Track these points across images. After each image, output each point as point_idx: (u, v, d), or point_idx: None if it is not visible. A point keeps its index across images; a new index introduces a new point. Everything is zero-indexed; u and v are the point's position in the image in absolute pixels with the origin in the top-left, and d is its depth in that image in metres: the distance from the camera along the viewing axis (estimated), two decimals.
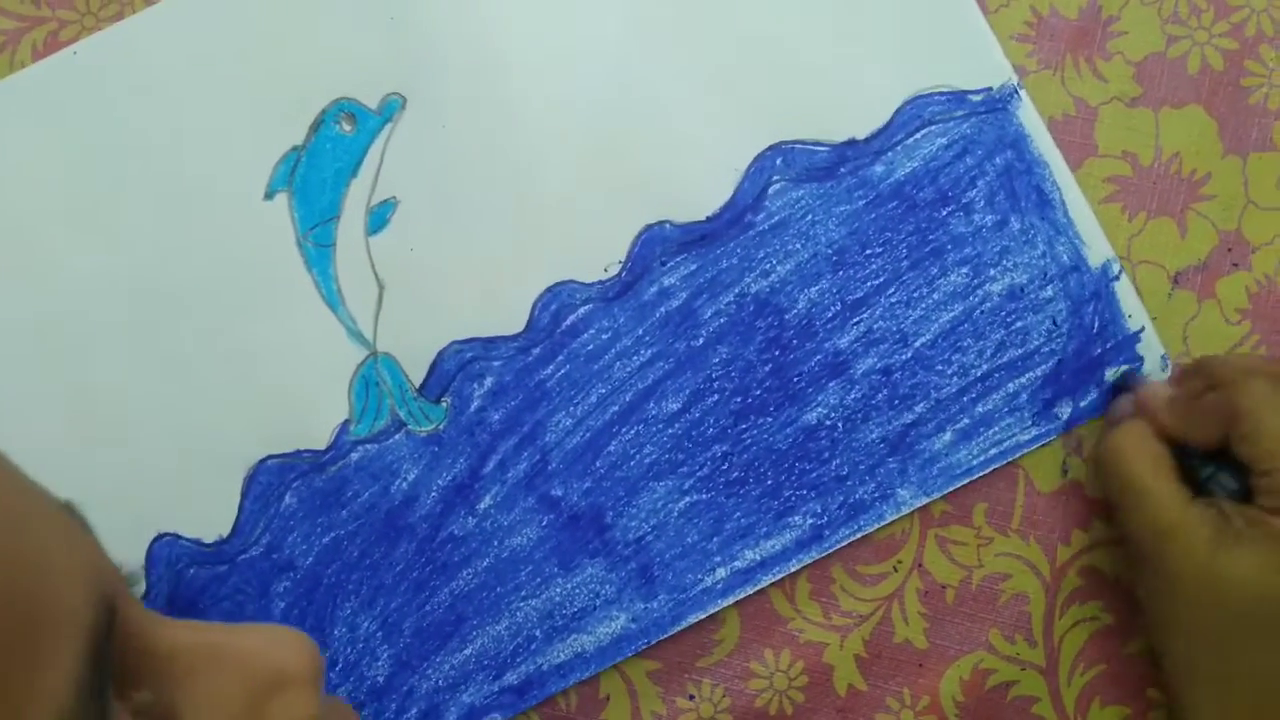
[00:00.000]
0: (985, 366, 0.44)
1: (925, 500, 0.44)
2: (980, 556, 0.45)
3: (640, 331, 0.44)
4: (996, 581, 0.45)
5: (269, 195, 0.44)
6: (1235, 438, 0.38)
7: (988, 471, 0.44)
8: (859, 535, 0.44)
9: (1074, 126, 0.45)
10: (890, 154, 0.44)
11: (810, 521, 0.44)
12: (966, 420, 0.44)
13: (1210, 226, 0.45)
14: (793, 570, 0.44)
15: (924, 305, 0.44)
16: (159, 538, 0.44)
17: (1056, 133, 0.44)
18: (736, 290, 0.44)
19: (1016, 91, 0.44)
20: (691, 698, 0.45)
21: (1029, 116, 0.44)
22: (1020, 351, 0.44)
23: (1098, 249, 0.44)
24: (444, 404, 0.44)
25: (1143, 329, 0.44)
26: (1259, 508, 0.37)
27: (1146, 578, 0.40)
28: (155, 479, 0.44)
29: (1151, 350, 0.44)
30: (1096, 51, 0.45)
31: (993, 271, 0.44)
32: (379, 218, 0.44)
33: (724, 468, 0.44)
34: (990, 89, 0.44)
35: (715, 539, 0.44)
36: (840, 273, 0.44)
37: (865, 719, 0.45)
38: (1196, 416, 0.39)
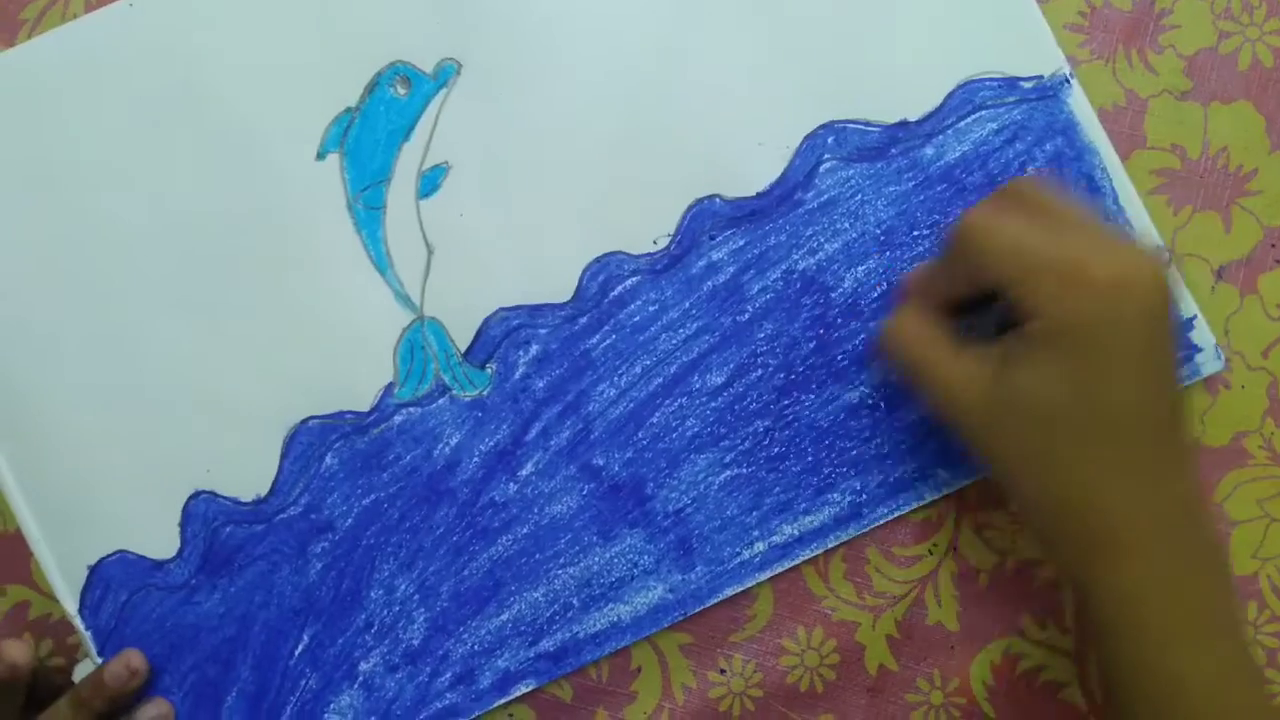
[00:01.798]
0: None
1: (965, 482, 0.44)
2: (1015, 542, 0.45)
3: (687, 304, 0.44)
4: (1030, 567, 0.45)
5: (321, 156, 0.44)
6: (975, 275, 0.38)
7: None
8: (897, 514, 0.44)
9: (1124, 117, 0.45)
10: (941, 137, 0.44)
11: (849, 499, 0.44)
12: None
13: (1255, 222, 0.46)
14: (830, 547, 0.44)
15: None
16: (196, 495, 0.44)
17: (1106, 123, 0.45)
18: (784, 267, 0.44)
19: (1068, 80, 0.44)
20: (723, 672, 0.45)
21: (1080, 105, 0.44)
22: None
23: (1146, 237, 0.44)
24: (489, 370, 0.44)
25: (1195, 317, 0.44)
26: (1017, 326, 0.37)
27: (966, 437, 0.39)
28: (195, 436, 0.44)
29: (1204, 339, 0.44)
30: (1148, 44, 0.46)
31: None
32: (430, 182, 0.44)
33: (765, 443, 0.44)
34: (1042, 76, 0.44)
35: (754, 513, 0.44)
36: (887, 253, 0.44)
37: (895, 699, 0.45)
38: (943, 274, 0.40)
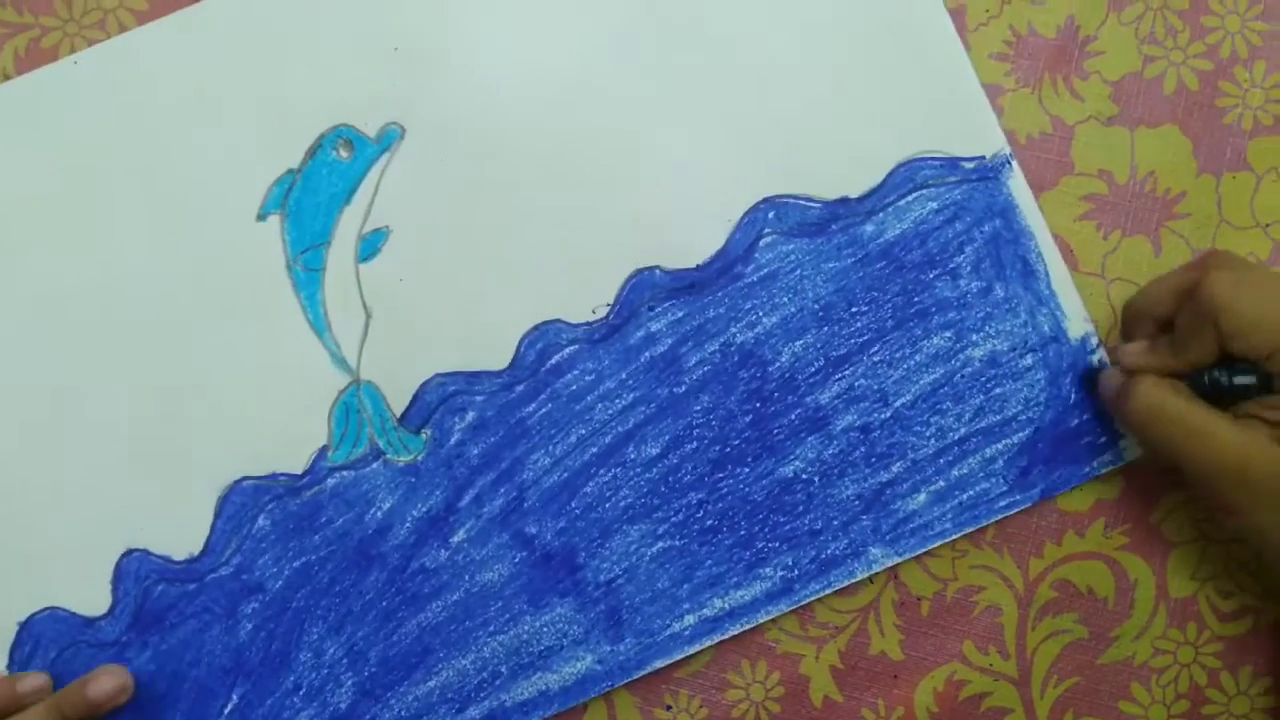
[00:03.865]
0: (963, 430, 0.44)
1: (896, 560, 0.44)
2: (955, 569, 0.45)
3: (624, 375, 0.44)
4: (970, 594, 0.45)
5: (262, 216, 0.44)
6: (1226, 338, 0.38)
7: (961, 534, 0.44)
8: (829, 591, 0.44)
9: (1051, 145, 0.46)
10: (881, 214, 0.44)
11: (781, 574, 0.44)
12: (942, 482, 0.44)
13: (1184, 245, 0.46)
14: (760, 622, 0.44)
15: (906, 366, 0.44)
16: (128, 553, 0.44)
17: (1033, 150, 0.45)
18: (722, 340, 0.44)
19: (1008, 161, 0.44)
20: (669, 708, 0.45)
21: (1019, 187, 0.44)
22: (998, 418, 0.44)
23: (1078, 321, 0.44)
24: (424, 435, 0.44)
25: None
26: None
27: (1239, 511, 0.39)
28: (128, 493, 0.44)
29: None
30: (1074, 71, 0.46)
31: (975, 337, 0.44)
32: (370, 246, 0.44)
33: (698, 515, 0.44)
34: (983, 157, 0.44)
35: (685, 586, 0.44)
36: (825, 329, 0.44)
37: None
38: (1185, 340, 0.39)
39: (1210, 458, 0.38)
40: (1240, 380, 0.39)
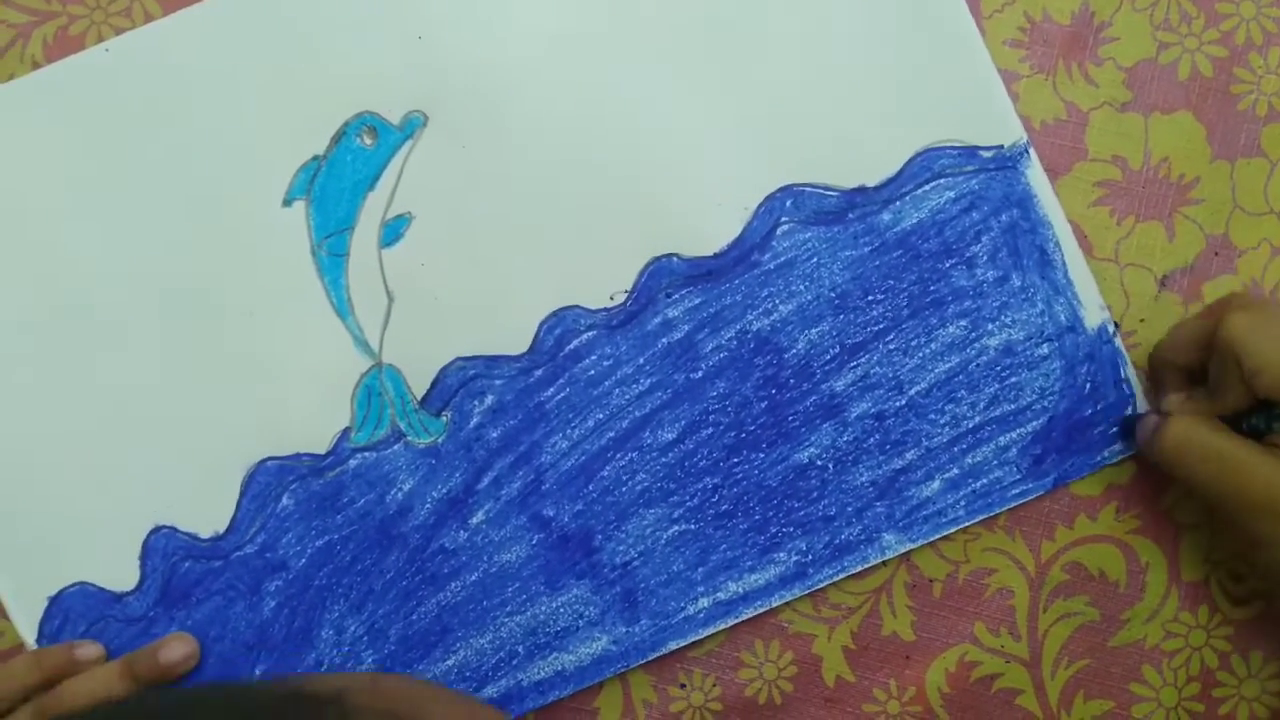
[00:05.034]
0: (977, 419, 0.45)
1: (910, 546, 0.45)
2: (967, 551, 0.46)
3: (641, 361, 0.45)
4: (982, 576, 0.46)
5: (287, 202, 0.45)
6: (1248, 378, 0.38)
7: (974, 521, 0.45)
8: (842, 576, 0.45)
9: (1065, 131, 0.46)
10: (899, 203, 0.45)
11: (795, 559, 0.45)
12: (956, 470, 0.45)
13: (1198, 230, 0.46)
14: (774, 605, 0.45)
15: (921, 354, 0.45)
16: (156, 529, 0.45)
17: (1048, 136, 0.45)
18: (738, 327, 0.45)
19: (1026, 151, 0.45)
20: (683, 686, 0.46)
21: (1036, 176, 0.44)
22: (1013, 406, 0.45)
23: (1095, 311, 0.44)
24: (444, 418, 0.45)
25: (1132, 396, 0.44)
26: None
27: (1270, 544, 0.39)
28: (156, 472, 0.45)
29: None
30: (1088, 57, 0.46)
31: (991, 326, 0.45)
32: (393, 231, 0.45)
33: (714, 500, 0.45)
34: (1001, 147, 0.45)
35: (700, 569, 0.45)
36: (841, 316, 0.45)
37: (852, 709, 0.46)
38: (1218, 387, 0.40)
39: (1241, 487, 0.39)
40: (1273, 423, 0.39)
